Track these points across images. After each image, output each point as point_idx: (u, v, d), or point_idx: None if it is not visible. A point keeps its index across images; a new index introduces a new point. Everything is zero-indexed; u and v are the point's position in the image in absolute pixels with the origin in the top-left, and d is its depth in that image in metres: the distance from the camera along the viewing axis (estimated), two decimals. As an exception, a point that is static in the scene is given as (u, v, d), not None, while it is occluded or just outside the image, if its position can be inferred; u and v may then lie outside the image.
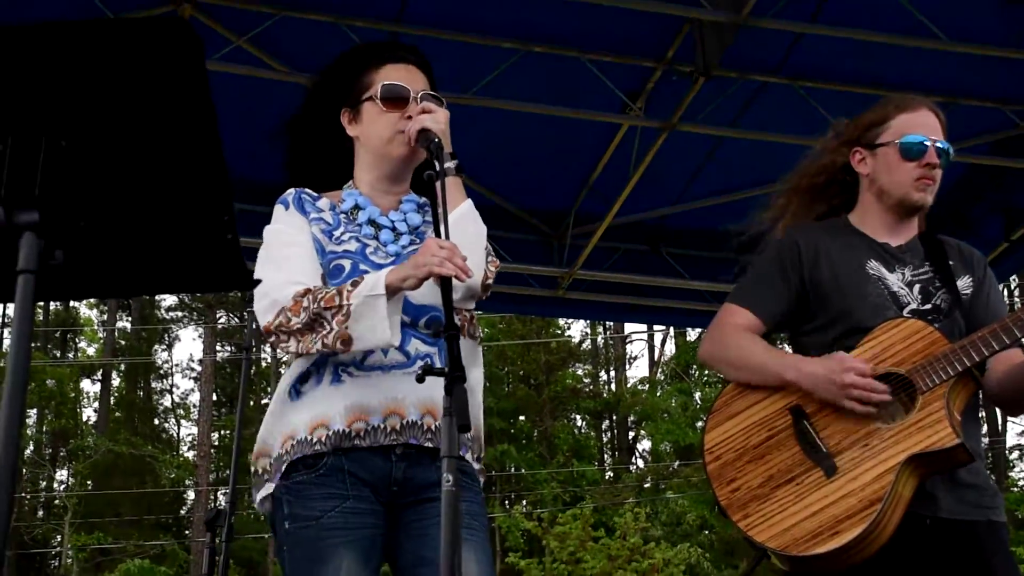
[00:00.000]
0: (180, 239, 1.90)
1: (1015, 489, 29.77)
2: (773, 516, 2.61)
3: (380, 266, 2.46)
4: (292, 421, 2.45)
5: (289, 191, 2.62)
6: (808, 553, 2.53)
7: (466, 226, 2.46)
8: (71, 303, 34.66)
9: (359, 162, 2.67)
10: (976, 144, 6.51)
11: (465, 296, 2.47)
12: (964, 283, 2.85)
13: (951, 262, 2.87)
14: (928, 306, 2.78)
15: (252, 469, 2.55)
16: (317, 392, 2.44)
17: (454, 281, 2.28)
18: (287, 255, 2.50)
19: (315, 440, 2.40)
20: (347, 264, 2.48)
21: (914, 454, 2.54)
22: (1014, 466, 33.28)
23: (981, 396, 2.80)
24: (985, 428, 34.41)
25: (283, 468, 2.43)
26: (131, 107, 1.77)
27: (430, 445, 2.40)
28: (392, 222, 2.60)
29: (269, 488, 2.47)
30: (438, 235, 2.28)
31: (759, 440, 2.73)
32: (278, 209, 2.60)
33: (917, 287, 2.81)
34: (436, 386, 2.32)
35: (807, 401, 2.70)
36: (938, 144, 2.83)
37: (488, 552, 2.51)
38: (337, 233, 2.55)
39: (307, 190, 2.63)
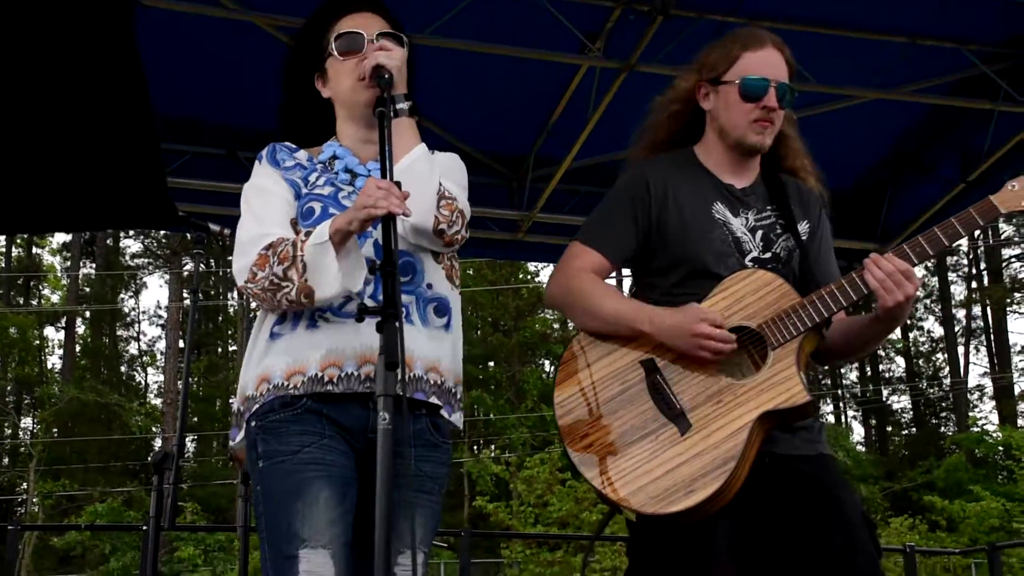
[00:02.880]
0: (104, 176, 1.86)
1: (975, 429, 30.30)
2: (627, 473, 2.57)
3: None
4: (268, 364, 2.44)
5: (268, 145, 2.63)
6: (663, 512, 2.52)
7: (417, 169, 2.44)
8: (33, 249, 34.31)
9: (338, 120, 2.68)
10: (935, 85, 6.50)
11: (417, 237, 2.46)
12: (803, 228, 2.84)
13: (792, 206, 2.84)
14: (768, 254, 2.77)
15: (233, 410, 2.56)
16: (293, 336, 2.43)
17: (402, 221, 2.29)
18: (259, 205, 2.51)
19: (290, 385, 2.39)
20: (317, 207, 2.48)
21: (767, 411, 2.55)
22: (975, 406, 33.86)
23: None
24: (947, 370, 34.94)
25: (254, 408, 2.42)
26: (51, 42, 1.72)
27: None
28: (369, 171, 2.58)
29: (242, 429, 2.48)
30: (384, 174, 2.25)
31: (611, 394, 2.68)
32: (254, 166, 2.61)
33: (760, 233, 2.79)
34: (411, 335, 2.39)
35: (660, 354, 2.67)
36: (780, 84, 2.76)
37: (437, 518, 2.53)
38: (312, 179, 2.56)
39: (286, 143, 2.65)
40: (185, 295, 30.67)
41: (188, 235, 2.60)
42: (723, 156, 2.85)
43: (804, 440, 2.69)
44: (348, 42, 2.59)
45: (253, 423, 2.43)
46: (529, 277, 32.81)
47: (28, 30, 1.72)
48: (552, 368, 33.87)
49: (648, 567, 2.67)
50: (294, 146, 2.65)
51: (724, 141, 2.84)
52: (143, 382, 35.57)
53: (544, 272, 33.84)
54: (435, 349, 2.50)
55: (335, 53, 2.60)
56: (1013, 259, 34.60)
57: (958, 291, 35.96)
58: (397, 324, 2.08)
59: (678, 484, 2.52)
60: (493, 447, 29.32)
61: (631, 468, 2.58)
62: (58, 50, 1.74)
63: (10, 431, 31.77)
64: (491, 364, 32.23)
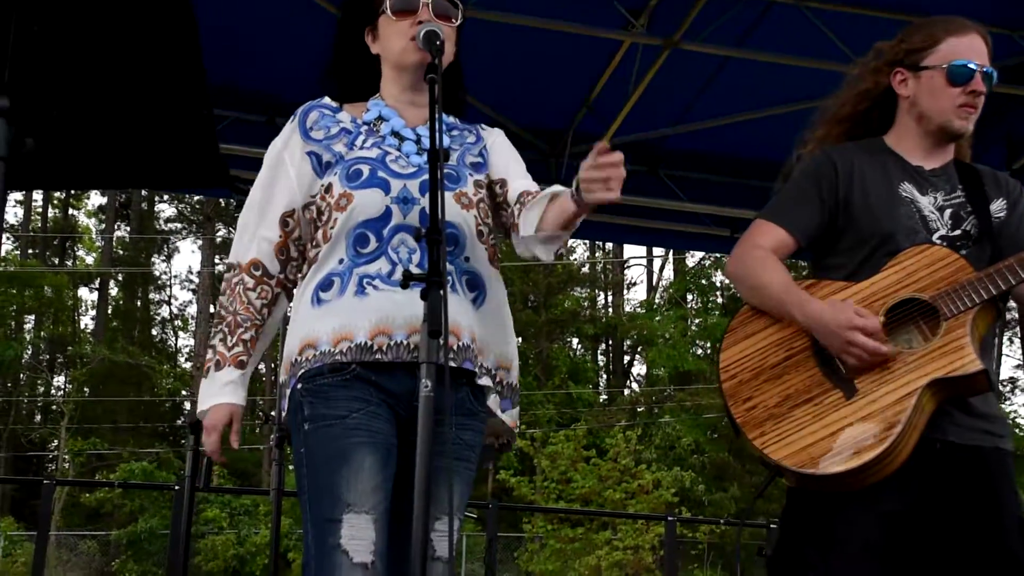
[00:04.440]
0: (156, 132, 1.86)
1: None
2: (790, 435, 2.59)
3: (398, 175, 2.49)
4: (314, 329, 2.45)
5: (304, 104, 2.65)
6: (825, 472, 2.52)
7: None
8: (69, 211, 34.62)
9: (384, 79, 2.67)
10: (982, 72, 6.40)
11: (525, 248, 2.54)
12: (997, 206, 2.81)
13: (986, 187, 2.82)
14: (958, 232, 2.75)
15: (280, 382, 2.60)
16: (341, 302, 2.43)
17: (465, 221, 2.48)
18: (269, 197, 2.58)
19: (337, 351, 2.40)
20: (365, 170, 2.49)
21: (936, 379, 2.53)
22: (1008, 399, 33.57)
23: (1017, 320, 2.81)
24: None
25: (300, 374, 2.44)
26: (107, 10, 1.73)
27: (453, 364, 2.40)
28: (418, 136, 2.59)
29: (286, 397, 2.51)
30: (433, 140, 2.21)
31: (777, 360, 2.70)
32: (287, 124, 2.65)
33: (948, 212, 2.77)
34: (458, 305, 2.42)
35: None
36: (984, 70, 2.77)
37: (471, 486, 2.58)
38: (359, 142, 2.56)
39: (325, 101, 2.66)
40: (217, 260, 30.90)
41: (222, 200, 2.63)
42: (918, 141, 2.84)
43: (982, 431, 2.65)
44: (403, 2, 2.58)
45: (299, 386, 2.44)
46: (563, 253, 32.77)
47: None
48: (580, 346, 33.86)
49: (801, 538, 2.68)
50: (335, 105, 2.65)
51: (923, 127, 2.83)
52: (173, 345, 35.88)
53: (576, 250, 33.82)
54: (477, 321, 2.51)
55: (388, 12, 2.58)
56: (1050, 252, 34.16)
57: (993, 282, 35.57)
58: (441, 292, 2.09)
59: (841, 446, 2.52)
60: (518, 422, 29.38)
61: (794, 430, 2.59)
62: (111, 5, 1.74)
63: (43, 389, 32.19)
64: (520, 340, 32.25)
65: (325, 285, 2.47)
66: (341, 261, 2.46)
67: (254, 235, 2.59)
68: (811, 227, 2.81)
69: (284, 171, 2.58)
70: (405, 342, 2.39)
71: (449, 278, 2.43)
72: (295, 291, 2.60)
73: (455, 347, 2.42)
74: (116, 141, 1.85)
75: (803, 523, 2.68)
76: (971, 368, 2.53)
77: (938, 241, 2.72)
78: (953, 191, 2.80)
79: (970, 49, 2.78)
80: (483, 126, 2.77)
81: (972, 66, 2.75)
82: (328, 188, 2.51)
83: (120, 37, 1.74)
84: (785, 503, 2.75)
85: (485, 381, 2.51)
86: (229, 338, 2.54)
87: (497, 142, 2.72)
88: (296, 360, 2.47)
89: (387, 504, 2.35)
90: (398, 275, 2.39)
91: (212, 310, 29.87)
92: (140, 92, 1.81)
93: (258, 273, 2.57)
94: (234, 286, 2.58)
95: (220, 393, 2.51)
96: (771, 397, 2.66)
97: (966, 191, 2.80)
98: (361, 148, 2.55)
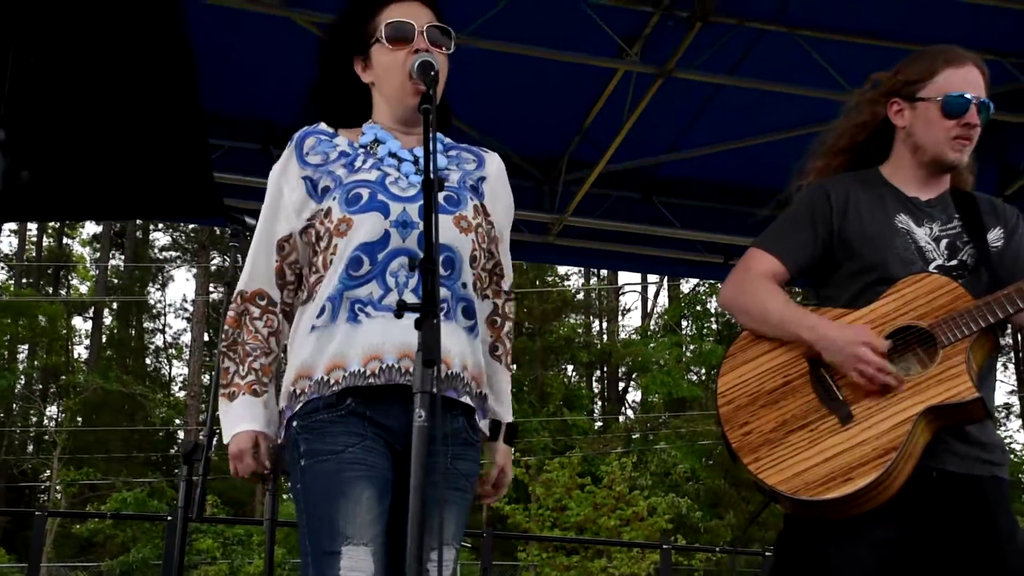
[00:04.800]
0: (150, 163, 1.86)
1: (1000, 448, 29.97)
2: (785, 460, 2.59)
3: (398, 198, 2.47)
4: (307, 360, 2.45)
5: (301, 130, 2.63)
6: (819, 498, 2.52)
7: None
8: (64, 240, 34.60)
9: (376, 106, 2.66)
10: (974, 98, 6.43)
11: None
12: (995, 235, 2.81)
13: (983, 217, 2.82)
14: (954, 262, 2.75)
15: (280, 408, 2.59)
16: (333, 329, 2.43)
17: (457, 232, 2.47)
18: (272, 226, 2.59)
19: (332, 381, 2.40)
20: (365, 193, 2.48)
21: (932, 406, 2.53)
22: (1003, 425, 33.55)
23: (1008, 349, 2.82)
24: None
25: (297, 408, 2.44)
26: (102, 28, 1.73)
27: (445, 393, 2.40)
28: (415, 156, 2.58)
29: (282, 427, 2.52)
30: (427, 171, 2.20)
31: (774, 386, 2.70)
32: (286, 149, 2.63)
33: (944, 242, 2.78)
34: (452, 334, 2.42)
35: None
36: (980, 101, 2.77)
37: (467, 516, 2.58)
38: (357, 164, 2.56)
39: (321, 127, 2.64)
40: (211, 289, 30.86)
41: (217, 229, 2.63)
42: (913, 172, 2.85)
43: (979, 460, 2.66)
44: (398, 31, 2.56)
45: (295, 423, 2.44)
46: (557, 279, 32.79)
47: (77, 19, 1.72)
48: (575, 373, 33.80)
49: (796, 566, 2.68)
50: (331, 130, 2.64)
51: (918, 158, 2.83)
52: (167, 374, 35.76)
53: (573, 276, 33.85)
54: (469, 349, 2.51)
55: (383, 40, 2.57)
56: (1043, 277, 34.21)
57: (987, 308, 35.57)
58: (435, 322, 2.08)
59: (836, 472, 2.53)
60: (513, 449, 29.27)
61: (789, 455, 2.60)
62: (107, 39, 1.74)
63: (35, 419, 32.02)
64: (514, 367, 32.18)
65: (320, 313, 2.47)
66: (335, 286, 2.46)
67: (257, 264, 2.61)
68: (804, 258, 2.83)
69: (282, 199, 2.58)
70: (396, 365, 2.38)
71: (444, 304, 2.43)
72: (294, 317, 2.60)
73: (444, 375, 2.41)
74: (111, 172, 1.84)
75: (798, 551, 2.68)
76: (967, 396, 2.53)
77: (934, 271, 2.72)
78: (949, 221, 2.81)
79: (966, 81, 2.78)
80: (485, 150, 2.76)
81: (967, 97, 2.75)
82: (327, 213, 2.50)
83: (116, 70, 1.74)
84: (780, 530, 2.75)
85: (468, 400, 2.49)
86: (241, 368, 2.57)
87: (493, 186, 2.70)
88: (293, 391, 2.46)
89: (384, 536, 2.34)
90: (389, 300, 2.40)
91: (207, 339, 29.79)
92: (135, 124, 1.81)
93: (263, 303, 2.59)
94: (239, 315, 2.61)
95: (239, 421, 2.54)
96: (767, 422, 2.66)
97: (963, 221, 2.80)
98: (360, 170, 2.54)
